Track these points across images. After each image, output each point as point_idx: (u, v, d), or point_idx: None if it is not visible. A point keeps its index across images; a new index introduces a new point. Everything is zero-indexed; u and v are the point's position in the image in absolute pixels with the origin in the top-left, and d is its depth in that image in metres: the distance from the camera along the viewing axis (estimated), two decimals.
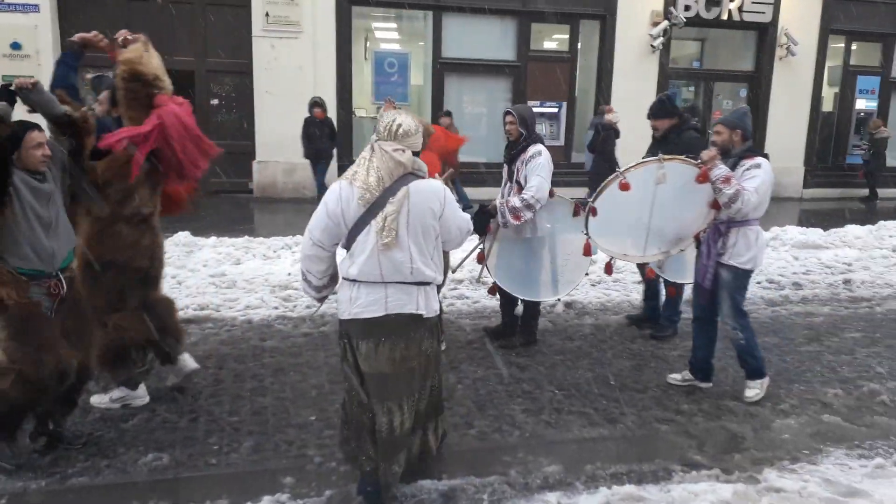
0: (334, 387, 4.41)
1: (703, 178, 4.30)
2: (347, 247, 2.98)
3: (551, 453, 3.69)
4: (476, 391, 4.43)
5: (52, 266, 3.33)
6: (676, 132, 5.24)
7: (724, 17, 13.34)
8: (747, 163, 4.24)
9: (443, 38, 12.63)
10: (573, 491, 3.34)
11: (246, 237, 8.08)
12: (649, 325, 5.68)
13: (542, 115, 13.04)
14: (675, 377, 4.66)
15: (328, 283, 3.15)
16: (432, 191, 2.97)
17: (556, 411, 4.18)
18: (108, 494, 3.19)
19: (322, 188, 10.09)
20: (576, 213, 4.93)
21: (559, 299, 5.43)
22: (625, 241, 4.89)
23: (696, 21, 13.19)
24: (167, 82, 3.82)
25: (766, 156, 4.28)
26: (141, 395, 4.08)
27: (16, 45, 10.77)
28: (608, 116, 9.93)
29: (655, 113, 5.36)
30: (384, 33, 13.97)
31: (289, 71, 11.63)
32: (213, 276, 6.73)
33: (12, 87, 3.39)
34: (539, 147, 4.84)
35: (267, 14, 11.58)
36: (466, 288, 6.67)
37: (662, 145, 5.18)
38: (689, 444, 3.83)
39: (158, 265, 4.11)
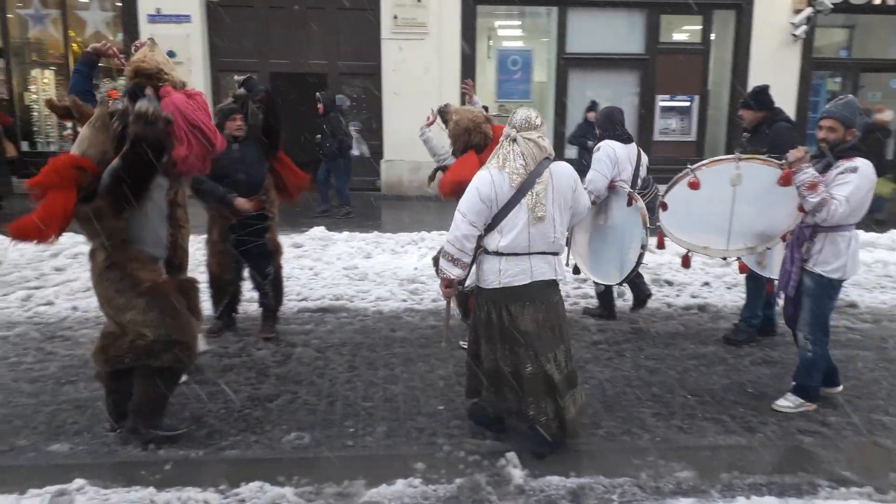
0: (461, 378, 4.49)
1: (785, 181, 3.94)
2: (494, 226, 3.39)
3: (684, 458, 3.58)
4: (603, 392, 4.37)
5: (165, 251, 3.68)
6: (768, 123, 4.98)
7: (877, 0, 12.28)
8: (843, 164, 3.80)
9: (567, 34, 12.51)
10: (708, 498, 3.23)
11: (375, 233, 8.41)
12: (765, 334, 5.34)
13: (671, 109, 12.63)
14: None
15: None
16: (568, 170, 3.51)
17: (688, 417, 4.06)
18: (257, 467, 3.44)
19: None
20: (629, 203, 4.86)
21: (620, 284, 5.27)
22: (705, 234, 4.68)
23: (844, 7, 12.24)
24: (173, 75, 3.83)
25: (866, 155, 3.85)
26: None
27: (171, 54, 11.71)
28: (879, 116, 9.21)
29: (743, 103, 5.15)
30: (507, 31, 14.00)
31: (415, 72, 11.94)
32: (347, 268, 7.06)
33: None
34: (602, 143, 5.18)
35: (395, 17, 11.94)
36: (591, 287, 6.57)
37: (753, 137, 5.01)
38: (836, 459, 3.59)
39: (182, 254, 4.15)
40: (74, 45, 12.48)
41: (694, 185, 4.40)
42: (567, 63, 12.55)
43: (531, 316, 3.42)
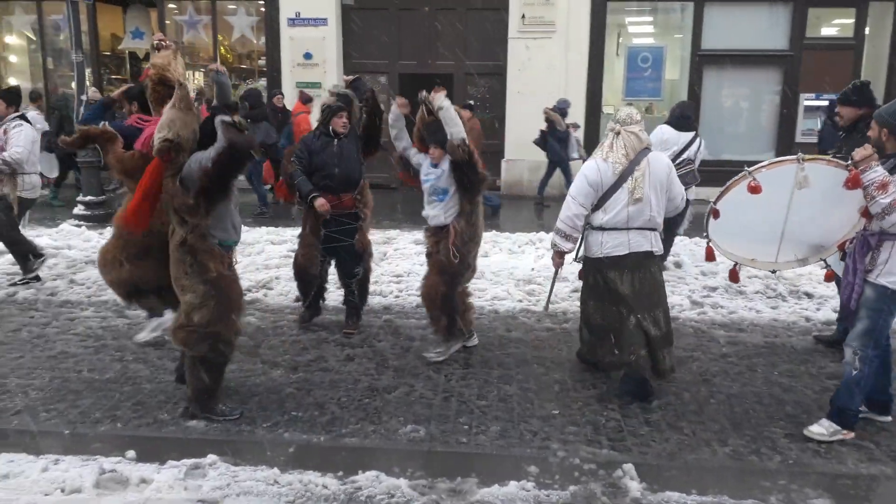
0: (577, 384, 4.42)
1: (853, 183, 3.52)
2: (599, 206, 4.00)
3: (819, 486, 3.32)
4: (731, 408, 4.13)
5: (240, 236, 3.94)
6: (867, 121, 4.39)
7: None
8: None
9: (703, 29, 11.93)
10: None
11: (493, 231, 8.42)
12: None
13: (816, 108, 11.72)
14: None
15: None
16: (664, 160, 4.14)
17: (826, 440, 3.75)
18: (373, 456, 3.54)
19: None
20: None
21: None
22: (753, 244, 4.32)
23: None
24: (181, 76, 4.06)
25: None
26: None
27: (308, 56, 12.34)
28: None
29: (842, 99, 4.74)
30: (638, 27, 13.54)
31: (541, 71, 11.83)
32: None
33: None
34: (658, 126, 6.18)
35: (523, 16, 11.89)
36: (721, 296, 6.25)
37: (849, 137, 4.61)
38: None
39: None
40: (222, 49, 13.44)
41: (755, 190, 3.93)
42: (702, 60, 11.98)
43: (629, 281, 4.02)
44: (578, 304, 4.69)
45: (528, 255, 7.59)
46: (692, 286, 6.50)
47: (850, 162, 3.61)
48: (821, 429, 3.75)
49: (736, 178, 4.08)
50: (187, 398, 3.96)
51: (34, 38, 13.74)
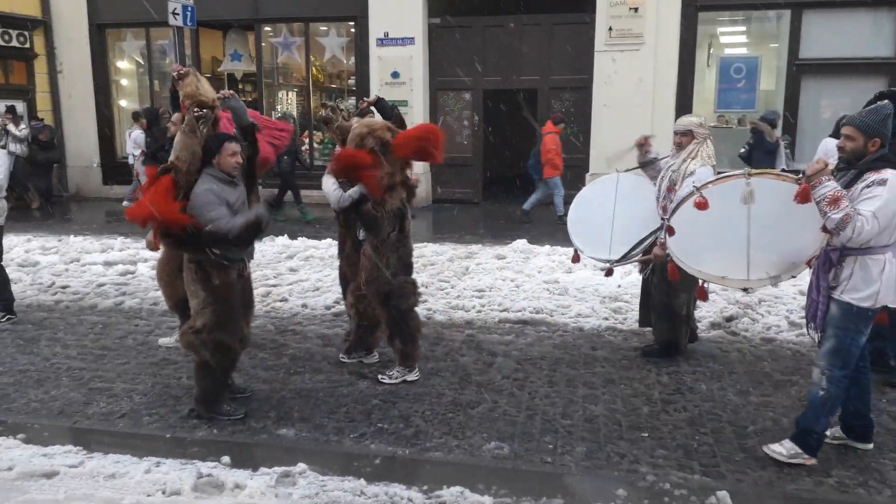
0: (667, 406, 4.28)
1: (801, 197, 3.39)
2: None
3: None
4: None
5: (247, 252, 4.10)
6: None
7: None
8: (870, 177, 3.29)
9: (801, 38, 11.41)
10: None
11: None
12: (879, 369, 4.45)
13: None
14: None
15: None
16: None
17: None
18: (457, 471, 3.55)
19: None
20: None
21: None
22: (720, 262, 4.14)
23: None
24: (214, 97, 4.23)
25: None
26: None
27: (395, 75, 12.63)
28: None
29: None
30: (730, 37, 13.11)
31: (628, 83, 11.63)
32: (547, 282, 7.06)
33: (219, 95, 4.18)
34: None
35: (610, 28, 11.74)
36: None
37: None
38: None
39: None
40: (314, 69, 13.95)
41: (701, 206, 3.92)
42: (800, 69, 11.45)
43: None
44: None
45: (614, 272, 7.41)
46: (789, 306, 6.19)
47: (800, 175, 3.48)
48: (781, 448, 3.59)
49: (686, 194, 4.11)
50: (194, 399, 4.19)
51: (142, 63, 14.70)
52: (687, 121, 4.78)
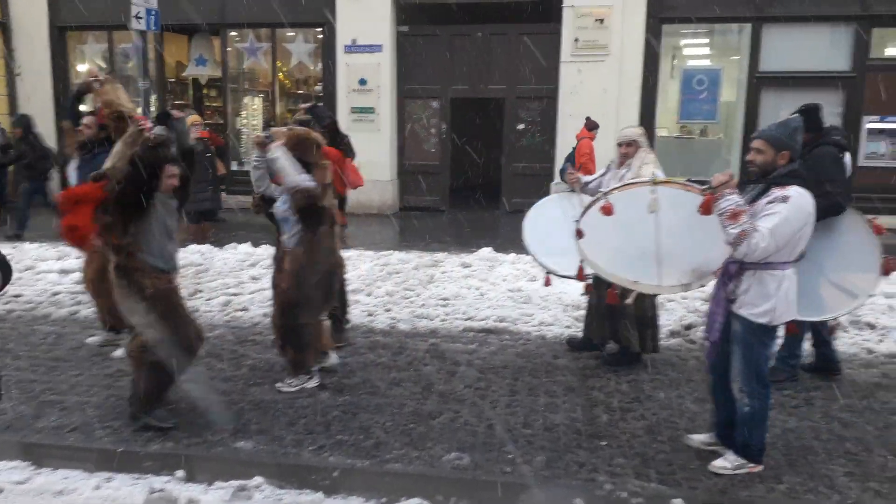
0: (626, 414, 4.32)
1: (704, 209, 3.41)
2: None
3: None
4: (787, 442, 3.97)
5: (173, 265, 4.14)
6: (810, 147, 4.43)
7: None
8: (774, 193, 3.33)
9: (761, 51, 11.68)
10: None
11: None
12: (825, 371, 4.93)
13: (881, 131, 11.33)
14: (695, 438, 3.91)
15: None
16: None
17: (889, 480, 3.56)
18: (417, 483, 3.53)
19: None
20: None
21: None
22: (633, 268, 4.17)
23: None
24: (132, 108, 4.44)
25: (807, 182, 3.36)
26: None
27: (362, 82, 12.58)
28: None
29: None
30: (693, 49, 13.35)
31: (593, 94, 11.76)
32: (511, 290, 7.08)
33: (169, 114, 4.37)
34: None
35: (576, 39, 11.87)
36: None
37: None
38: None
39: None
40: (280, 75, 13.83)
41: (607, 211, 4.03)
42: (760, 82, 11.71)
43: None
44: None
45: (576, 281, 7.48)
46: None
47: (706, 187, 3.49)
48: (725, 463, 3.62)
49: (594, 198, 4.19)
50: (129, 396, 4.16)
51: (104, 66, 14.41)
52: (631, 131, 4.96)
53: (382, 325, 6.15)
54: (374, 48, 12.54)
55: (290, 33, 13.48)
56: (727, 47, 12.61)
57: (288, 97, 14.25)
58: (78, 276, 7.52)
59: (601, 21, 11.76)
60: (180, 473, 3.56)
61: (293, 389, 4.66)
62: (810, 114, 4.63)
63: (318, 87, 13.54)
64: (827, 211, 4.26)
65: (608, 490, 3.45)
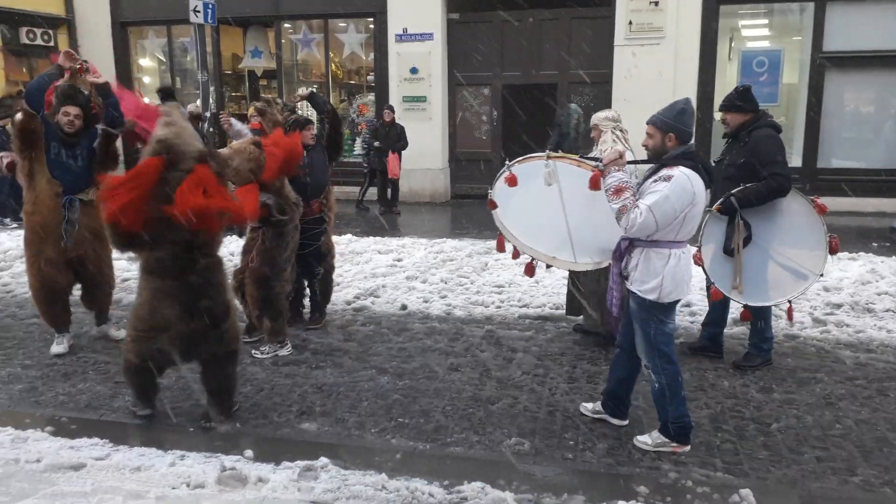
0: (689, 403, 4.23)
1: (592, 184, 3.60)
2: None
3: None
4: (860, 434, 3.85)
5: None
6: (748, 128, 4.49)
7: None
8: (661, 172, 3.44)
9: (825, 30, 11.25)
10: None
11: None
12: (710, 354, 4.95)
13: None
14: (587, 406, 4.09)
15: None
16: None
17: None
18: (479, 467, 3.56)
19: None
20: None
21: None
22: (549, 242, 4.44)
23: None
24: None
25: (698, 164, 3.43)
26: None
27: (414, 70, 12.62)
28: None
29: (727, 105, 4.63)
30: (752, 30, 12.95)
31: (648, 78, 11.52)
32: (567, 278, 7.01)
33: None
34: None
35: (630, 22, 11.65)
36: (847, 314, 5.84)
37: (733, 143, 4.62)
38: None
39: None
40: (333, 66, 13.98)
41: (511, 181, 4.20)
42: (824, 62, 11.29)
43: None
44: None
45: None
46: (813, 302, 6.11)
47: (596, 164, 3.64)
48: (646, 439, 3.71)
49: (503, 169, 4.33)
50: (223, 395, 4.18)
51: (164, 60, 14.83)
52: (595, 116, 5.17)
53: (438, 311, 6.19)
54: (424, 36, 12.55)
55: (342, 24, 13.61)
56: (788, 27, 12.20)
57: (340, 88, 14.42)
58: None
59: (656, 3, 11.51)
60: (249, 453, 3.66)
61: (268, 356, 5.02)
62: (745, 94, 4.62)
63: (370, 77, 13.64)
64: (772, 193, 4.34)
65: (673, 479, 3.41)
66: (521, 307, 6.25)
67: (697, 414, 4.10)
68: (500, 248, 4.71)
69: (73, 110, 4.81)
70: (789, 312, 4.63)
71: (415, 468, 3.56)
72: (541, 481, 3.42)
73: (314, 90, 5.81)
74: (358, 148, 13.28)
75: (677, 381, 3.59)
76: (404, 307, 6.29)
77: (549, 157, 4.13)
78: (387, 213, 11.53)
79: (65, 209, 4.90)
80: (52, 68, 5.03)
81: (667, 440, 3.65)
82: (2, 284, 7.10)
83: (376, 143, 11.29)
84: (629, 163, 3.69)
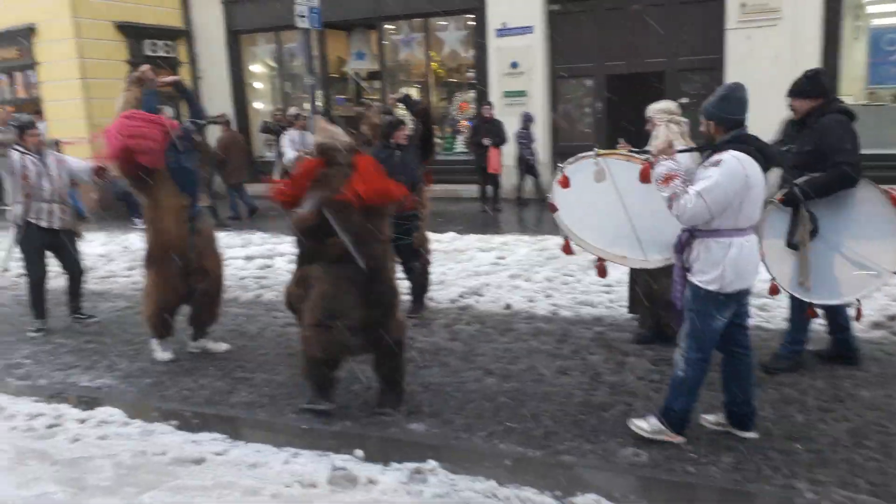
0: (824, 415, 3.91)
1: (643, 177, 3.64)
2: None
3: None
4: None
5: None
6: (817, 115, 4.17)
7: None
8: (712, 158, 3.36)
9: None
10: None
11: None
12: (843, 360, 4.54)
13: None
14: (708, 418, 3.81)
15: None
16: None
17: None
18: (592, 477, 3.42)
19: None
20: None
21: None
22: (616, 241, 4.43)
23: None
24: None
25: (751, 147, 3.30)
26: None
27: (514, 65, 12.47)
28: None
29: (794, 91, 4.31)
30: (880, 6, 11.87)
31: (763, 62, 10.82)
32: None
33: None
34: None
35: (743, 4, 10.98)
36: None
37: (802, 131, 4.28)
38: None
39: None
40: (434, 64, 14.06)
41: (563, 183, 4.26)
42: None
43: None
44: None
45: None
46: None
47: (646, 156, 3.56)
48: (643, 423, 3.65)
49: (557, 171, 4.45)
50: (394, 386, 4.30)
51: (274, 66, 15.44)
52: (650, 107, 4.80)
53: (543, 311, 6.05)
54: (525, 30, 12.38)
55: (442, 22, 13.65)
56: None
57: (441, 86, 14.47)
58: (261, 262, 8.15)
59: None
60: (359, 453, 3.67)
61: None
62: (814, 79, 4.26)
63: (471, 74, 13.61)
64: (839, 183, 4.07)
65: (810, 499, 3.12)
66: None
67: (835, 427, 3.76)
68: (567, 251, 4.66)
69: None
70: (858, 312, 4.27)
71: (525, 476, 3.44)
72: (659, 496, 3.23)
73: (408, 94, 6.20)
74: (460, 145, 13.28)
75: (701, 377, 3.57)
76: (508, 306, 6.19)
77: (597, 155, 4.18)
78: (488, 209, 11.46)
79: (191, 221, 4.99)
80: (145, 91, 5.01)
81: (664, 428, 3.60)
82: (132, 283, 7.58)
83: (486, 141, 11.16)
84: (679, 151, 3.61)
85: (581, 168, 4.31)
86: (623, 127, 13.15)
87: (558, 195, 4.49)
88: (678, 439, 3.61)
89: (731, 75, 11.16)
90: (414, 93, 14.49)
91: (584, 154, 4.33)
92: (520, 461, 3.61)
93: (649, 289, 4.89)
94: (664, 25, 11.82)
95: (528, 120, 11.60)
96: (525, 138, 11.52)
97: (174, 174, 4.90)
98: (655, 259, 4.33)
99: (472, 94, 13.62)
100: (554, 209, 4.50)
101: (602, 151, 4.19)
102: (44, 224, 5.78)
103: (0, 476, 3.42)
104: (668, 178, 3.35)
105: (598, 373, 4.66)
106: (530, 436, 3.84)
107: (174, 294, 5.05)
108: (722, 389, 3.73)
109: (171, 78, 5.31)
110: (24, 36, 13.90)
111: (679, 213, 3.33)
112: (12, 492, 3.28)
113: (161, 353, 5.25)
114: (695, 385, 3.57)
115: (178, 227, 4.92)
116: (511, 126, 11.46)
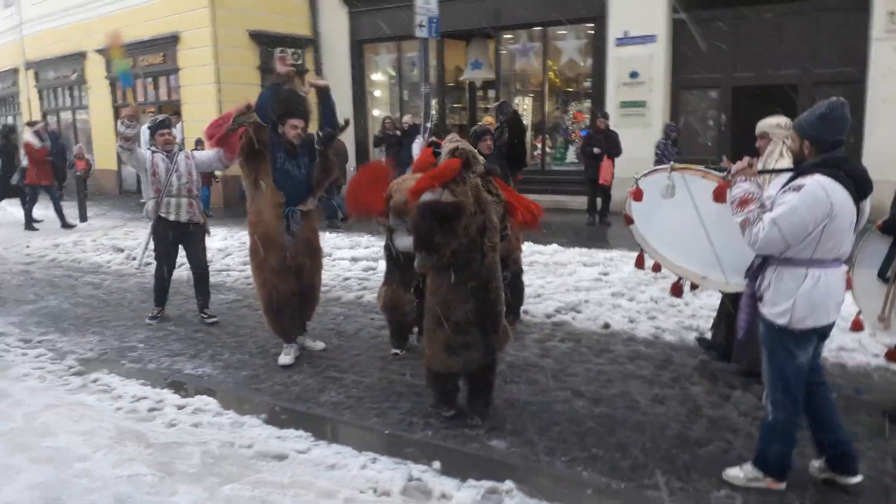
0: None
1: (717, 195, 3.47)
2: None
3: None
4: None
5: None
6: None
7: None
8: (794, 182, 3.04)
9: None
10: None
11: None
12: None
13: None
14: (814, 464, 3.39)
15: None
16: None
17: None
18: None
19: None
20: None
21: None
22: (695, 260, 4.24)
23: None
24: None
25: (840, 173, 2.94)
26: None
27: (634, 74, 12.07)
28: None
29: None
30: None
31: None
32: None
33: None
34: None
35: (892, 13, 10.04)
36: None
37: None
38: None
39: None
40: (551, 74, 13.88)
41: (636, 196, 4.16)
42: None
43: None
44: None
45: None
46: None
47: (726, 174, 3.36)
48: (738, 472, 3.37)
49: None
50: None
51: (394, 74, 15.82)
52: (762, 123, 4.44)
53: (645, 333, 5.76)
54: (647, 39, 11.97)
55: (561, 31, 13.46)
56: None
57: (557, 95, 14.26)
58: (365, 264, 8.32)
59: None
60: (437, 465, 3.61)
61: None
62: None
63: (588, 84, 13.32)
64: None
65: None
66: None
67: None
68: (640, 265, 4.59)
69: (299, 122, 5.04)
70: None
71: None
72: None
73: (504, 100, 6.32)
74: (571, 156, 13.02)
75: (794, 420, 3.24)
76: (607, 326, 5.94)
77: (672, 169, 4.06)
78: (596, 221, 11.13)
79: (287, 219, 5.10)
80: (274, 78, 5.42)
81: (761, 474, 3.30)
82: (245, 277, 7.95)
83: (596, 150, 10.88)
84: (760, 172, 3.40)
85: (655, 181, 4.21)
86: (747, 142, 12.48)
87: (636, 208, 4.40)
88: (778, 486, 3.29)
89: (875, 89, 10.28)
90: (528, 102, 14.41)
91: (659, 167, 4.25)
92: (602, 492, 3.42)
93: (730, 315, 4.57)
94: (800, 34, 11.06)
95: (671, 131, 11.09)
96: (663, 149, 10.98)
97: (276, 173, 5.05)
98: (736, 283, 4.02)
99: (587, 105, 13.32)
100: (629, 221, 4.42)
101: (678, 166, 4.11)
102: (172, 217, 6.15)
103: (99, 454, 3.64)
104: (743, 202, 3.12)
105: (698, 405, 4.35)
106: (616, 466, 3.63)
107: (272, 290, 5.12)
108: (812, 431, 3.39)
109: (322, 83, 5.41)
110: (169, 43, 15.06)
111: (752, 242, 3.08)
112: (108, 471, 3.48)
113: (282, 357, 5.23)
114: (788, 428, 3.23)
115: (273, 222, 5.03)
116: (626, 139, 11.08)
